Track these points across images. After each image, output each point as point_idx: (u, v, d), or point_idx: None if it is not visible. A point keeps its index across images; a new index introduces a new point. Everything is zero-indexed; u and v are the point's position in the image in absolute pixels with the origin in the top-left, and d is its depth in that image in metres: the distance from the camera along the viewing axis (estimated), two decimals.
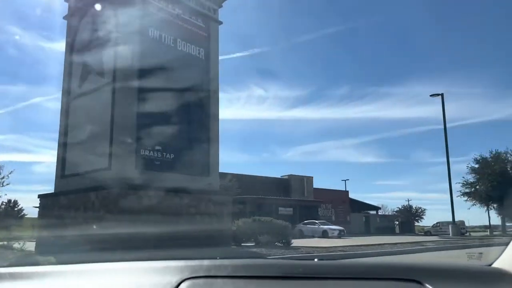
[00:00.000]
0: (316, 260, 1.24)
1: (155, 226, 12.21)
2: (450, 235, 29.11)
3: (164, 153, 14.75)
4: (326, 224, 32.41)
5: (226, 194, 17.80)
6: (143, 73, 14.56)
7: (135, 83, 14.32)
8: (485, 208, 35.40)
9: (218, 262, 1.11)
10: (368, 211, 52.35)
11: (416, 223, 58.45)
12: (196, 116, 16.13)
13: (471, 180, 34.85)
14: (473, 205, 35.07)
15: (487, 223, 37.92)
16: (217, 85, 17.32)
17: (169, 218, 13.52)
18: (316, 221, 32.29)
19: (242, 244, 16.63)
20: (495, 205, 34.89)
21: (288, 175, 42.49)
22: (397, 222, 53.60)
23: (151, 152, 14.41)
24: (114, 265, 1.12)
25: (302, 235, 29.00)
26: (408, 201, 75.56)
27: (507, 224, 36.20)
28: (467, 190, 34.85)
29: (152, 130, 14.46)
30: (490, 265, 1.12)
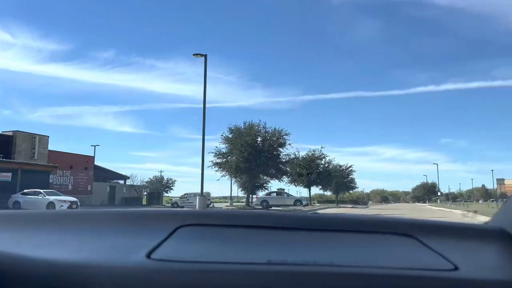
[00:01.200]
0: (310, 212, 1.27)
1: None
2: (197, 206, 27.82)
3: None
4: (56, 194, 25.99)
5: None
6: None
7: None
8: (234, 179, 35.78)
9: (215, 211, 1.16)
10: (116, 181, 47.51)
11: (166, 194, 57.84)
12: None
13: (224, 151, 33.92)
14: (222, 176, 34.35)
15: (226, 194, 39.36)
16: None
17: None
18: (42, 191, 25.34)
19: None
20: (243, 177, 35.27)
21: (12, 131, 32.83)
22: (145, 193, 50.95)
23: None
24: (109, 211, 1.14)
25: (19, 209, 21.67)
26: (161, 172, 74.75)
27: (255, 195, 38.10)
28: (219, 161, 33.67)
29: None
30: (486, 223, 1.13)
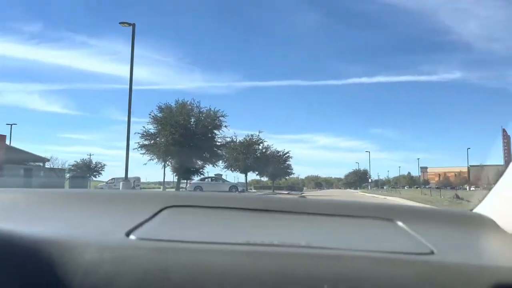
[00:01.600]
0: (297, 196, 1.20)
1: None
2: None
3: None
4: None
5: None
6: None
7: None
8: (163, 163, 32.48)
9: (200, 193, 1.19)
10: (33, 163, 42.92)
11: (95, 179, 54.37)
12: None
13: (152, 131, 29.86)
14: (150, 159, 30.18)
15: (162, 179, 36.65)
16: None
17: None
18: None
19: None
20: (172, 161, 31.45)
21: None
22: (68, 177, 46.85)
23: None
24: (94, 191, 1.18)
25: None
26: (90, 155, 69.70)
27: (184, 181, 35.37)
28: (146, 142, 29.60)
29: None
30: (471, 210, 1.15)
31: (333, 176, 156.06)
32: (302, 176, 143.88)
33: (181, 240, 0.73)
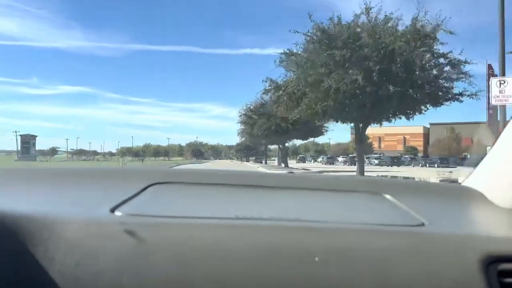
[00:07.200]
0: (286, 172, 1.46)
1: None
2: None
3: None
4: None
5: None
6: None
7: None
8: None
9: (187, 169, 1.16)
10: None
11: None
12: None
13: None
14: None
15: None
16: None
17: None
18: None
19: None
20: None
21: None
22: None
23: None
24: (81, 168, 1.18)
25: None
26: None
27: None
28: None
29: None
30: (459, 183, 1.16)
31: (223, 144, 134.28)
32: (183, 143, 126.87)
33: (168, 216, 0.72)
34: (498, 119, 11.75)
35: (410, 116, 17.00)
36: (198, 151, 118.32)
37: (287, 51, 16.89)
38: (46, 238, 0.63)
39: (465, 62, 15.08)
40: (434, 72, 15.49)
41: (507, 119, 9.55)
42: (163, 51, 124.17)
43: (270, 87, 19.70)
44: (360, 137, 18.47)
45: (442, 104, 16.21)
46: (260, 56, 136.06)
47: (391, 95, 14.43)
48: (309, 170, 33.47)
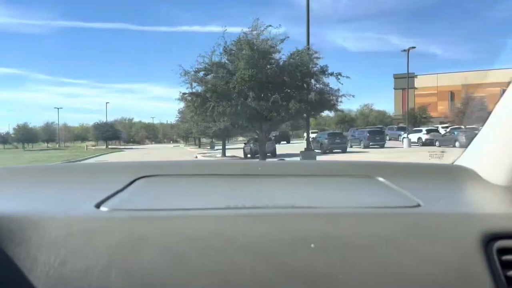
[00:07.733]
0: (276, 159, 1.43)
1: None
2: None
3: None
4: None
5: None
6: None
7: None
8: None
9: (175, 161, 1.14)
10: None
11: None
12: None
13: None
14: None
15: None
16: None
17: None
18: None
19: None
20: None
21: None
22: None
23: None
24: (65, 165, 1.14)
25: None
26: None
27: None
28: None
29: None
30: (452, 163, 1.16)
31: (164, 122, 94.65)
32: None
33: (156, 209, 0.70)
34: None
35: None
36: (111, 133, 64.68)
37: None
38: (28, 237, 0.62)
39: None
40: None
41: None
42: (96, 29, 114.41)
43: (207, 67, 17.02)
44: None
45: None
46: (201, 33, 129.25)
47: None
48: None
